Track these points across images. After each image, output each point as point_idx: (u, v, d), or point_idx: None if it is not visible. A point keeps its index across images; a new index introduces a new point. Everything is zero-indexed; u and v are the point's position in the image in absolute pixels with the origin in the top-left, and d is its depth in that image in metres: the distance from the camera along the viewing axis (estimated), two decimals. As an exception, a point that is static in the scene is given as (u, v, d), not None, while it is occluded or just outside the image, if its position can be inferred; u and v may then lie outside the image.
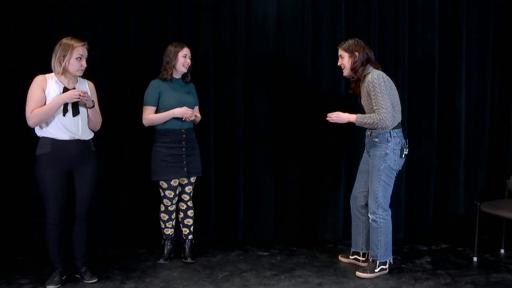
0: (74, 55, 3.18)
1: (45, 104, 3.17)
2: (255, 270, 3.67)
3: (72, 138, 3.23)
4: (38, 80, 3.20)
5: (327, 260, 3.90)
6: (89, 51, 3.31)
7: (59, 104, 3.16)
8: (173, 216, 3.86)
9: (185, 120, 3.70)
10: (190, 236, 3.92)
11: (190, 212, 3.92)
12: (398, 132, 3.52)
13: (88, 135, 3.36)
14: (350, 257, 3.84)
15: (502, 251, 4.07)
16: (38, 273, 3.53)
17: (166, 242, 3.89)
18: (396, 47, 4.32)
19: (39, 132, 3.24)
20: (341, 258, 3.89)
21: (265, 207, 4.41)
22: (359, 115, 3.47)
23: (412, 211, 4.43)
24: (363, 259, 3.76)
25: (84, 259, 3.42)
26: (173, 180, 3.73)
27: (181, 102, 3.71)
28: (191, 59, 3.78)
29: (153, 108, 3.71)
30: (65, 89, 3.21)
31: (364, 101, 3.54)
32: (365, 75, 3.50)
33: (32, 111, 3.14)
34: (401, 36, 4.30)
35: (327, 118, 3.55)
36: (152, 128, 3.77)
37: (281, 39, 4.33)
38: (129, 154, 4.25)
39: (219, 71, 4.30)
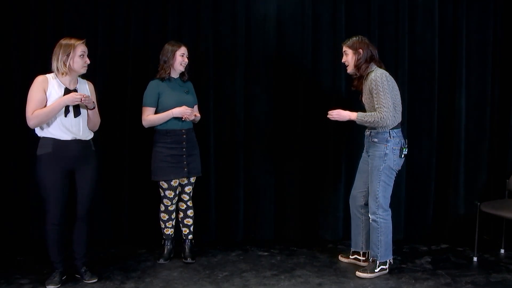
0: (77, 53, 3.20)
1: (45, 105, 3.17)
2: (255, 270, 3.67)
3: (73, 138, 3.24)
4: (39, 80, 3.20)
5: (327, 260, 3.90)
6: (89, 51, 3.33)
7: (60, 106, 3.16)
8: (173, 216, 3.86)
9: (185, 120, 3.70)
10: (190, 236, 3.92)
11: (190, 212, 3.92)
12: (398, 132, 3.52)
13: (89, 135, 3.36)
14: (350, 257, 3.84)
15: (502, 251, 4.07)
16: (38, 273, 3.53)
17: (166, 242, 3.89)
18: (396, 47, 4.32)
19: (40, 133, 3.24)
20: (341, 258, 3.89)
21: (265, 207, 4.41)
22: (360, 113, 3.47)
23: (412, 211, 4.43)
24: (363, 258, 3.76)
25: (84, 259, 3.42)
26: (173, 180, 3.72)
27: (181, 102, 3.71)
28: (188, 58, 3.78)
29: (153, 109, 3.71)
30: (67, 90, 3.22)
31: (365, 99, 3.54)
32: (368, 73, 3.50)
33: (33, 112, 3.14)
34: (401, 36, 4.30)
35: (328, 116, 3.55)
36: (152, 129, 3.77)
37: (281, 39, 4.33)
38: (129, 154, 4.24)
39: (219, 71, 4.30)
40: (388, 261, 3.59)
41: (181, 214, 3.92)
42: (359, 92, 3.67)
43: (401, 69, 4.30)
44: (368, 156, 3.60)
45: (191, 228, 3.93)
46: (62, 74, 3.21)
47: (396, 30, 4.32)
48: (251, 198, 4.40)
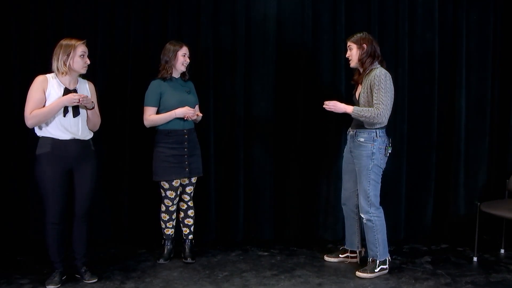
0: (78, 53, 3.21)
1: (44, 105, 3.17)
2: (255, 270, 3.67)
3: (72, 138, 3.24)
4: (39, 80, 3.20)
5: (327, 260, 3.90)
6: (89, 51, 3.33)
7: (59, 107, 3.16)
8: (174, 216, 3.86)
9: (187, 120, 3.70)
10: (190, 236, 3.92)
11: (191, 212, 3.92)
12: (383, 132, 3.55)
13: (88, 135, 3.36)
14: (341, 255, 3.86)
15: (502, 251, 4.07)
16: (38, 273, 3.53)
17: (166, 242, 3.89)
18: (396, 47, 4.32)
19: (39, 132, 3.24)
20: (327, 258, 3.89)
21: (265, 207, 4.41)
22: (356, 107, 3.48)
23: (412, 211, 4.43)
24: (353, 255, 3.81)
25: (84, 259, 3.42)
26: (174, 181, 3.72)
27: (183, 102, 3.71)
28: (190, 58, 3.78)
29: (154, 109, 3.70)
30: (66, 90, 3.22)
31: (362, 94, 3.52)
32: (372, 69, 3.51)
33: (32, 112, 3.14)
34: (401, 36, 4.30)
35: (323, 106, 3.53)
36: (153, 128, 3.76)
37: (281, 39, 4.33)
38: (129, 154, 4.25)
39: (219, 71, 4.30)
40: (387, 259, 3.59)
41: (182, 214, 3.92)
42: (354, 87, 3.68)
43: (401, 69, 4.30)
44: (353, 156, 3.61)
45: (192, 228, 3.93)
46: (62, 73, 3.21)
47: (396, 30, 4.32)
48: (251, 198, 4.40)
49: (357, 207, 3.72)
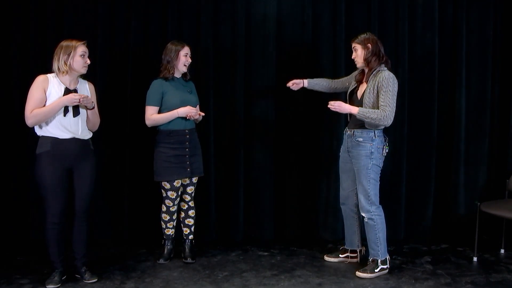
0: (78, 53, 3.22)
1: (45, 104, 3.18)
2: (255, 270, 3.68)
3: (72, 137, 3.25)
4: (40, 80, 3.21)
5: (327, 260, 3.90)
6: (89, 51, 3.33)
7: (59, 107, 3.17)
8: (174, 217, 3.86)
9: (189, 119, 3.70)
10: (191, 236, 3.92)
11: (191, 212, 3.92)
12: (381, 132, 3.58)
13: (88, 135, 3.37)
14: (341, 255, 3.86)
15: (502, 251, 4.07)
16: (38, 273, 3.53)
17: (166, 242, 3.89)
18: (396, 47, 4.32)
19: (39, 131, 3.25)
20: (327, 258, 3.89)
21: (265, 207, 4.41)
22: (362, 108, 3.47)
23: (412, 211, 4.43)
24: (354, 255, 3.82)
25: (84, 259, 3.43)
26: (176, 181, 3.72)
27: (185, 101, 3.71)
28: (191, 58, 3.78)
29: (156, 109, 3.70)
30: (67, 90, 3.23)
31: (368, 94, 3.50)
32: (379, 70, 3.51)
33: (32, 111, 3.15)
34: (401, 36, 4.31)
35: (328, 106, 3.51)
36: (154, 128, 3.76)
37: (281, 39, 4.33)
38: (130, 154, 4.24)
39: (219, 71, 4.30)
40: (387, 259, 3.59)
41: (182, 214, 3.92)
42: (355, 87, 3.68)
43: (401, 69, 4.30)
44: (351, 155, 3.62)
45: (192, 228, 3.93)
46: (63, 73, 3.22)
47: (396, 29, 4.32)
48: (251, 198, 4.40)
49: (356, 206, 3.73)
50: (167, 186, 3.73)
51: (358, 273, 3.55)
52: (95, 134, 3.45)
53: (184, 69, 3.76)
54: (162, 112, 3.69)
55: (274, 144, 4.38)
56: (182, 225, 3.93)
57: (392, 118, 3.46)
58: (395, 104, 3.47)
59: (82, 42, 3.26)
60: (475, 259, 3.87)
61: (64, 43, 3.24)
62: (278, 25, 4.32)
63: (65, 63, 3.20)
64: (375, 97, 3.47)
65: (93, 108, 3.34)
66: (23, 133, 3.97)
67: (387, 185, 4.32)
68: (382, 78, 3.44)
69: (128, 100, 4.20)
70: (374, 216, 3.54)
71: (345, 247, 3.89)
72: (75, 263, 3.42)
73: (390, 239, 4.26)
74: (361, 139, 3.54)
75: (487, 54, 4.35)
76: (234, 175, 4.34)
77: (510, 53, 4.33)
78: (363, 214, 3.57)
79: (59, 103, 3.17)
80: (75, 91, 3.27)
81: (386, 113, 3.40)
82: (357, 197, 3.67)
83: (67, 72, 3.23)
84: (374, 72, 3.52)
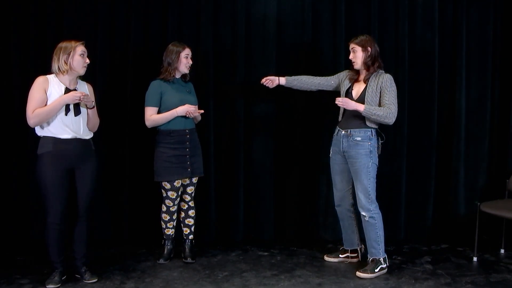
0: (78, 52, 3.23)
1: (46, 104, 3.18)
2: (255, 270, 3.68)
3: (74, 137, 3.25)
4: (40, 81, 3.21)
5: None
6: (89, 51, 3.34)
7: (60, 105, 3.18)
8: (174, 217, 3.86)
9: (188, 118, 3.70)
10: (191, 236, 3.92)
11: (191, 212, 3.92)
12: (376, 131, 3.61)
13: (89, 134, 3.38)
14: (341, 256, 3.87)
15: (502, 251, 4.07)
16: (38, 273, 3.53)
17: (166, 242, 3.89)
18: (396, 47, 4.32)
19: (40, 132, 3.25)
20: (328, 258, 3.90)
21: (265, 207, 4.41)
22: (368, 106, 3.49)
23: (412, 211, 4.43)
24: (354, 255, 3.82)
25: (84, 259, 3.43)
26: (176, 181, 3.72)
27: (184, 101, 3.70)
28: (192, 59, 3.78)
29: (155, 109, 3.70)
30: (67, 89, 3.23)
31: (371, 94, 3.52)
32: (381, 72, 3.57)
33: (34, 111, 3.15)
34: (401, 36, 4.30)
35: (335, 102, 3.53)
36: (154, 129, 3.76)
37: (281, 39, 4.33)
38: (129, 154, 4.24)
39: (219, 71, 4.30)
40: (386, 258, 3.61)
41: (182, 214, 3.92)
42: (349, 86, 3.70)
43: (401, 69, 4.30)
44: (347, 155, 3.62)
45: (192, 228, 3.93)
46: (63, 73, 3.23)
47: (396, 30, 4.32)
48: (251, 198, 4.40)
49: (352, 205, 3.75)
50: (167, 186, 3.73)
51: (359, 274, 3.54)
52: (95, 134, 3.45)
53: (186, 71, 3.76)
54: (162, 113, 3.69)
55: (274, 144, 4.38)
56: (182, 225, 3.93)
57: (396, 116, 3.51)
58: (397, 104, 3.54)
59: (81, 42, 3.27)
60: (475, 259, 3.88)
61: (63, 44, 3.24)
62: (278, 25, 4.32)
63: (66, 63, 3.20)
64: (378, 97, 3.52)
65: (93, 107, 3.34)
66: (23, 133, 3.98)
67: (387, 185, 4.33)
68: (385, 79, 3.52)
69: (128, 100, 4.19)
70: (375, 214, 3.56)
71: (344, 247, 3.89)
72: (75, 263, 3.42)
73: (390, 239, 4.28)
74: (359, 138, 3.55)
75: (487, 54, 4.35)
76: (234, 175, 4.34)
77: (510, 53, 4.33)
78: (364, 213, 3.58)
79: (60, 101, 3.17)
80: (75, 90, 3.27)
81: (391, 110, 3.48)
82: (353, 197, 3.68)
83: (67, 72, 3.23)
84: (375, 74, 3.56)
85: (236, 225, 4.38)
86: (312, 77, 3.88)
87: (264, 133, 4.37)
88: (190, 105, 3.68)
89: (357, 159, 3.56)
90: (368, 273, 3.53)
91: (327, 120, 4.26)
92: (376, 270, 3.54)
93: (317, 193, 4.40)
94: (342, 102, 3.48)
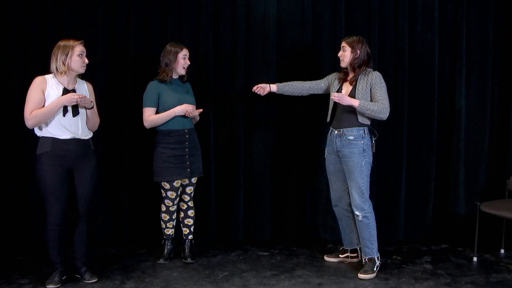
0: (76, 53, 3.22)
1: (44, 105, 3.18)
2: (255, 270, 3.68)
3: (72, 137, 3.25)
4: (38, 81, 3.20)
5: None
6: (89, 51, 3.34)
7: (58, 107, 3.17)
8: (174, 217, 3.86)
9: (187, 118, 3.70)
10: (190, 236, 3.92)
11: (191, 212, 3.92)
12: (368, 130, 3.62)
13: (88, 135, 3.37)
14: (341, 255, 3.88)
15: (502, 251, 4.07)
16: (38, 273, 3.54)
17: (166, 242, 3.89)
18: (396, 47, 4.32)
19: (39, 132, 3.24)
20: (328, 258, 3.90)
21: (265, 207, 4.41)
22: (363, 101, 3.51)
23: (412, 211, 4.43)
24: (354, 255, 3.82)
25: (84, 259, 3.43)
26: (175, 181, 3.72)
27: (182, 101, 3.70)
28: (190, 59, 3.78)
29: (153, 109, 3.70)
30: (65, 90, 3.23)
31: (361, 91, 3.55)
32: (369, 71, 3.59)
33: (31, 112, 3.15)
34: (401, 36, 4.30)
35: (331, 97, 3.58)
36: (153, 129, 3.76)
37: (281, 39, 4.33)
38: (129, 154, 4.25)
39: (219, 71, 4.30)
40: (379, 255, 3.63)
41: (182, 214, 3.92)
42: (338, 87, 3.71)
43: (401, 69, 4.30)
44: (341, 155, 3.62)
45: (192, 228, 3.93)
46: (61, 73, 3.22)
47: (396, 30, 4.32)
48: (251, 198, 4.40)
49: (349, 205, 3.74)
50: (167, 186, 3.73)
51: (361, 275, 3.52)
52: (95, 134, 3.45)
53: (183, 72, 3.75)
54: (160, 113, 3.69)
55: (274, 144, 4.38)
56: (181, 225, 3.93)
57: (389, 112, 3.52)
58: (388, 100, 3.56)
59: (79, 42, 3.25)
60: (475, 259, 3.88)
61: (61, 43, 3.23)
62: (278, 25, 4.32)
63: (63, 63, 3.19)
64: (369, 94, 3.55)
65: (92, 107, 3.33)
66: (23, 134, 3.97)
67: (387, 185, 4.33)
68: (375, 76, 3.56)
69: (128, 101, 4.19)
70: (368, 214, 3.57)
71: (344, 247, 3.89)
72: (75, 263, 3.42)
73: (390, 239, 4.29)
74: (352, 137, 3.57)
75: (487, 54, 4.35)
76: (234, 175, 4.34)
77: (510, 53, 4.33)
78: (357, 213, 3.58)
79: (57, 103, 3.16)
80: (74, 91, 3.27)
81: (385, 105, 3.50)
82: (349, 196, 3.68)
83: (65, 72, 3.22)
84: (364, 72, 3.59)
85: (236, 225, 4.38)
86: (303, 82, 3.89)
87: (264, 133, 4.37)
88: (188, 105, 3.68)
89: (351, 158, 3.57)
90: (369, 273, 3.53)
91: (327, 120, 4.26)
92: (375, 269, 3.55)
93: (317, 193, 4.40)
94: (337, 97, 3.49)
